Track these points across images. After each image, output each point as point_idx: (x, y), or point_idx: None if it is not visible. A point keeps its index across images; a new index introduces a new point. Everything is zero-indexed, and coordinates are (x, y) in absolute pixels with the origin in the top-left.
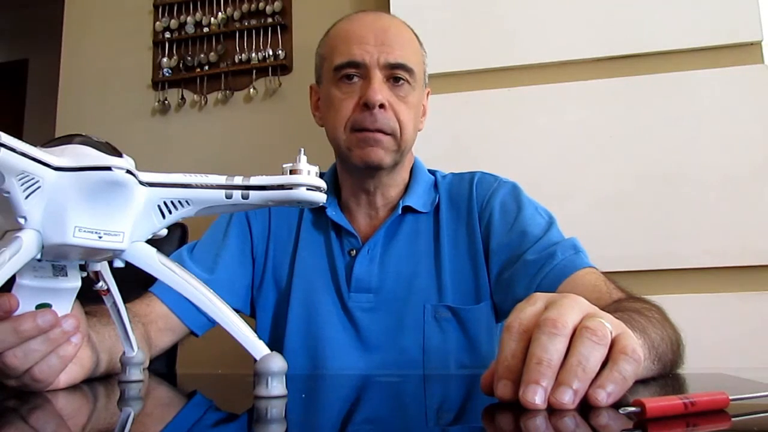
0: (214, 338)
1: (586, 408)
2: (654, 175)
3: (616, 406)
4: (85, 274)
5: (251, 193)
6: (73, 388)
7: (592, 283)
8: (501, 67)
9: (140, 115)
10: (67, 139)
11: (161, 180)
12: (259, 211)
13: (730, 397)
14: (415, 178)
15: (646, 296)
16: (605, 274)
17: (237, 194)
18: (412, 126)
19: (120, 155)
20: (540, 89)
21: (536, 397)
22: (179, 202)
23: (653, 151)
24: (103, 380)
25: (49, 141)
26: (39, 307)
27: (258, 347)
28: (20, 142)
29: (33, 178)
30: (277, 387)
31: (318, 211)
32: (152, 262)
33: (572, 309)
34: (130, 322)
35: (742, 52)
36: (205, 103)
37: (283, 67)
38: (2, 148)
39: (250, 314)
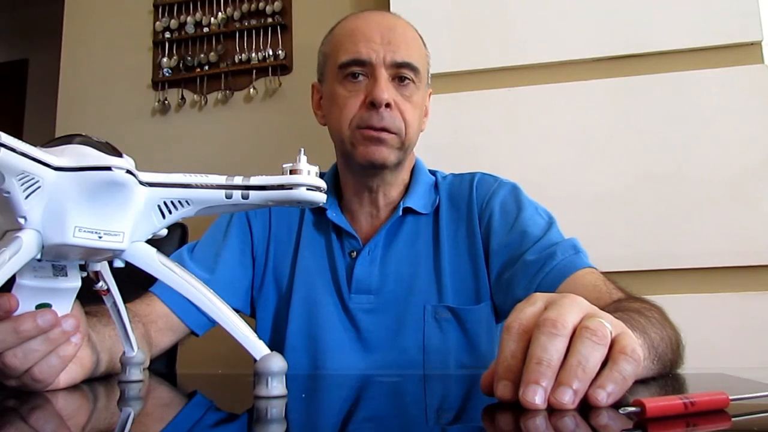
0: (214, 338)
1: (586, 408)
2: (654, 174)
3: (616, 406)
4: (85, 274)
5: (251, 193)
6: (73, 388)
7: (592, 283)
8: (501, 67)
9: (140, 115)
10: (67, 139)
11: (161, 180)
12: (259, 211)
13: (730, 397)
14: (416, 179)
15: (646, 296)
16: (605, 274)
17: (237, 194)
18: (416, 125)
19: (120, 155)
20: (540, 89)
21: (536, 397)
22: (179, 202)
23: (653, 151)
24: (103, 380)
25: (49, 141)
26: (39, 307)
27: (258, 347)
28: (20, 142)
29: (33, 178)
30: (277, 387)
31: (319, 212)
32: (152, 262)
33: (572, 309)
34: (130, 322)
35: (742, 52)
36: (205, 103)
37: (283, 67)
38: (2, 148)
39: (250, 314)
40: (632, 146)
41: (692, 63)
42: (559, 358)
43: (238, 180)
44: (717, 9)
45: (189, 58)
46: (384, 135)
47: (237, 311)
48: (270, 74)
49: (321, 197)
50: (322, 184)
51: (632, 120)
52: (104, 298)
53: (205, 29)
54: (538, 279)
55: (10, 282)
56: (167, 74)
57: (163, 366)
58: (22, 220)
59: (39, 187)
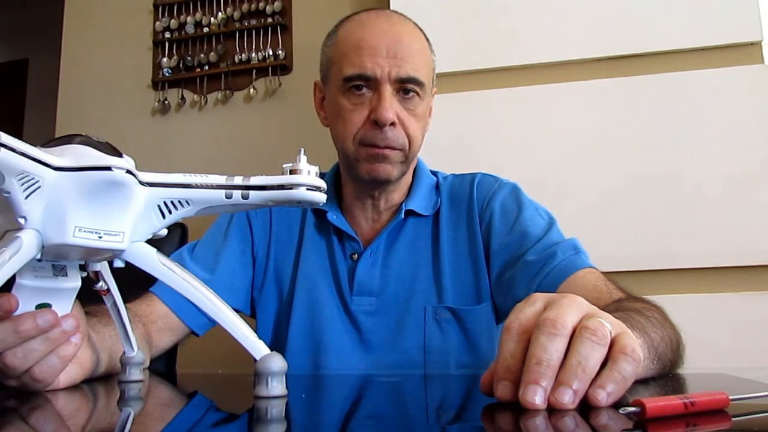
0: (214, 338)
1: (586, 408)
2: (654, 174)
3: (616, 406)
4: (85, 274)
5: (251, 193)
6: (73, 388)
7: (593, 283)
8: (501, 67)
9: (140, 115)
10: (67, 139)
11: (161, 180)
12: (260, 211)
13: (730, 397)
14: (418, 181)
15: (646, 296)
16: (605, 274)
17: (237, 194)
18: (420, 137)
19: (120, 155)
20: (540, 89)
21: (536, 397)
22: (179, 202)
23: (653, 150)
24: (103, 380)
25: (49, 141)
26: (39, 306)
27: (258, 347)
28: (20, 142)
29: (33, 178)
30: (277, 387)
31: (320, 213)
32: (152, 262)
33: (571, 309)
34: (130, 321)
35: (742, 52)
36: (205, 103)
37: (283, 67)
38: (2, 148)
39: (250, 314)
40: (632, 146)
41: (692, 63)
42: (559, 358)
43: (238, 180)
44: (717, 9)
45: (189, 58)
46: (387, 152)
47: (237, 311)
48: (270, 74)
49: (321, 197)
50: (322, 184)
51: (632, 120)
52: (104, 298)
53: (205, 29)
54: (538, 279)
55: (10, 282)
56: (167, 74)
57: (163, 366)
58: (22, 220)
59: (39, 187)
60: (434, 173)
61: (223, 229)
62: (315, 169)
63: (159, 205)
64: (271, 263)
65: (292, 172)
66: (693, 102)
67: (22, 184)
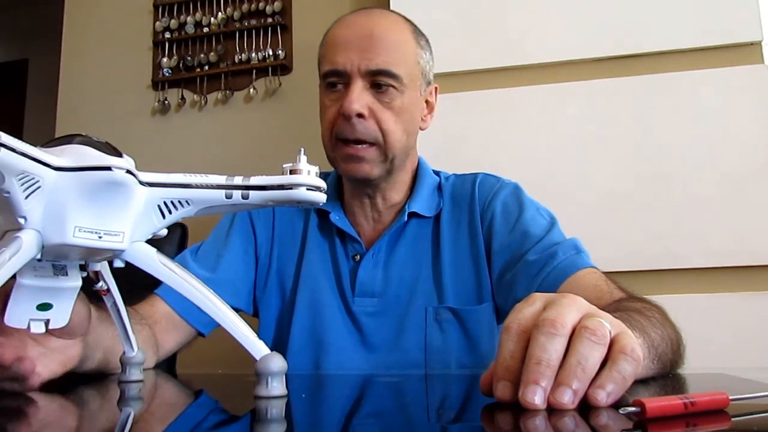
0: (214, 338)
1: (585, 408)
2: (654, 174)
3: (616, 406)
4: (85, 274)
5: (251, 193)
6: (73, 388)
7: (593, 283)
8: (501, 67)
9: (140, 115)
10: (67, 139)
11: (161, 180)
12: (262, 211)
13: (730, 397)
14: (421, 181)
15: (646, 296)
16: (606, 274)
17: (237, 194)
18: (400, 132)
19: (120, 155)
20: (540, 89)
21: (536, 397)
22: (179, 202)
23: (653, 150)
24: (103, 380)
25: (49, 141)
26: (40, 306)
27: (258, 347)
28: (20, 142)
29: (33, 178)
30: (277, 387)
31: (323, 214)
32: (152, 262)
33: (571, 309)
34: (130, 322)
35: (742, 52)
36: (205, 103)
37: (283, 67)
38: (2, 149)
39: (253, 314)
40: (632, 146)
41: (692, 63)
42: (559, 357)
43: (238, 180)
44: (717, 9)
45: (189, 58)
46: (362, 151)
47: (239, 311)
48: (270, 74)
49: (321, 197)
50: (322, 184)
51: (632, 120)
52: (104, 298)
53: (205, 29)
54: (539, 279)
55: (11, 282)
56: (167, 74)
57: (163, 366)
58: (22, 220)
59: (39, 187)
60: (437, 173)
61: (225, 230)
62: (315, 169)
63: (159, 205)
64: (274, 263)
65: (292, 172)
66: (693, 102)
67: (22, 184)
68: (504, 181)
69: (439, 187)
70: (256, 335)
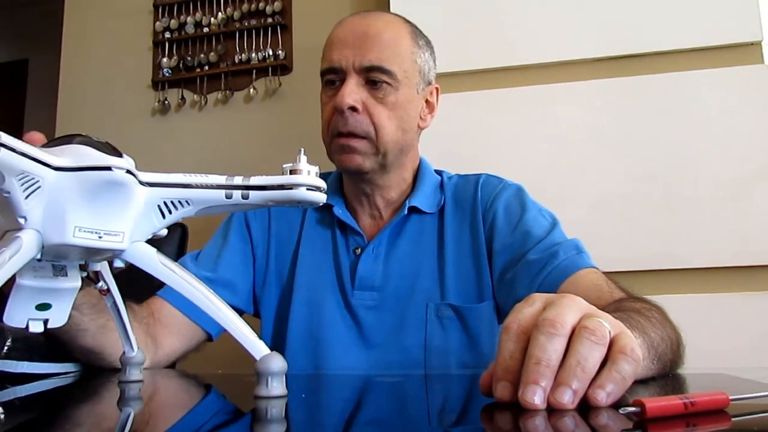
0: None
1: (585, 408)
2: (654, 174)
3: (616, 406)
4: (85, 274)
5: (251, 193)
6: (73, 388)
7: (594, 282)
8: (501, 67)
9: (140, 115)
10: (67, 140)
11: (161, 180)
12: (258, 210)
13: (730, 397)
14: (422, 179)
15: (646, 296)
16: (606, 274)
17: (237, 194)
18: (393, 127)
19: (120, 155)
20: (540, 89)
21: (535, 397)
22: (179, 202)
23: (653, 151)
24: (103, 380)
25: (50, 141)
26: (39, 307)
27: (258, 347)
28: (20, 142)
29: (33, 178)
30: (277, 387)
31: (323, 209)
32: (152, 262)
33: (570, 309)
34: (130, 322)
35: (742, 52)
36: (205, 103)
37: (283, 67)
38: (2, 149)
39: (254, 314)
40: (632, 146)
41: (692, 63)
42: (558, 358)
43: (238, 180)
44: (717, 9)
45: (189, 58)
46: (354, 142)
47: (240, 311)
48: (270, 74)
49: (321, 197)
50: (322, 184)
51: (632, 120)
52: (104, 298)
53: (205, 29)
54: (540, 278)
55: (11, 282)
56: (167, 74)
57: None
58: (22, 220)
59: (39, 187)
60: (439, 172)
61: (222, 233)
62: (315, 169)
63: (159, 205)
64: (271, 262)
65: (292, 172)
66: (693, 102)
67: (22, 184)
68: (507, 182)
69: (441, 186)
70: (256, 335)
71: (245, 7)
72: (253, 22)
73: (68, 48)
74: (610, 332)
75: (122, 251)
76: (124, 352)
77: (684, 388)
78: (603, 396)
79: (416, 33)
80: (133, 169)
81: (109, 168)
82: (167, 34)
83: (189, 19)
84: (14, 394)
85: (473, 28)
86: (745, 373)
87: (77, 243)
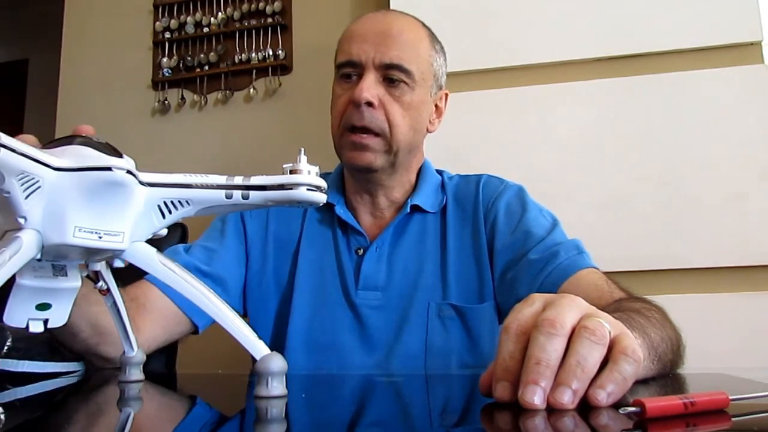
0: (214, 338)
1: (585, 408)
2: (654, 174)
3: (616, 406)
4: (85, 274)
5: (251, 193)
6: (73, 388)
7: (594, 282)
8: (501, 67)
9: (140, 115)
10: (68, 140)
11: (161, 180)
12: (255, 211)
13: (730, 397)
14: (424, 179)
15: (646, 296)
16: (607, 274)
17: (237, 194)
18: (406, 126)
19: (120, 156)
20: (540, 89)
21: (535, 397)
22: (179, 202)
23: (653, 150)
24: (102, 380)
25: (50, 141)
26: (39, 307)
27: (258, 347)
28: (20, 142)
29: (33, 178)
30: (277, 387)
31: (324, 209)
32: (152, 262)
33: (570, 309)
34: (130, 322)
35: (742, 52)
36: (205, 103)
37: (283, 67)
38: (2, 149)
39: (243, 313)
40: (632, 146)
41: (692, 63)
42: (558, 358)
43: (238, 180)
44: (717, 9)
45: (189, 58)
46: (367, 140)
47: None
48: (270, 74)
49: (321, 197)
50: (323, 183)
51: (632, 120)
52: (104, 298)
53: (205, 29)
54: (540, 278)
55: (10, 282)
56: (167, 74)
57: (163, 366)
58: (22, 220)
59: (39, 187)
60: (439, 172)
61: (218, 228)
62: (315, 169)
63: (159, 205)
64: (269, 264)
65: (293, 172)
66: (693, 102)
67: (22, 184)
68: (508, 182)
69: (442, 186)
70: (256, 336)
71: (245, 7)
72: (253, 22)
73: (68, 48)
74: (609, 332)
75: (122, 251)
76: (123, 352)
77: (684, 388)
78: (604, 396)
79: (433, 37)
80: (133, 169)
81: (109, 168)
82: (167, 34)
83: (189, 19)
84: (14, 394)
85: (472, 28)
86: (745, 373)
87: (77, 243)
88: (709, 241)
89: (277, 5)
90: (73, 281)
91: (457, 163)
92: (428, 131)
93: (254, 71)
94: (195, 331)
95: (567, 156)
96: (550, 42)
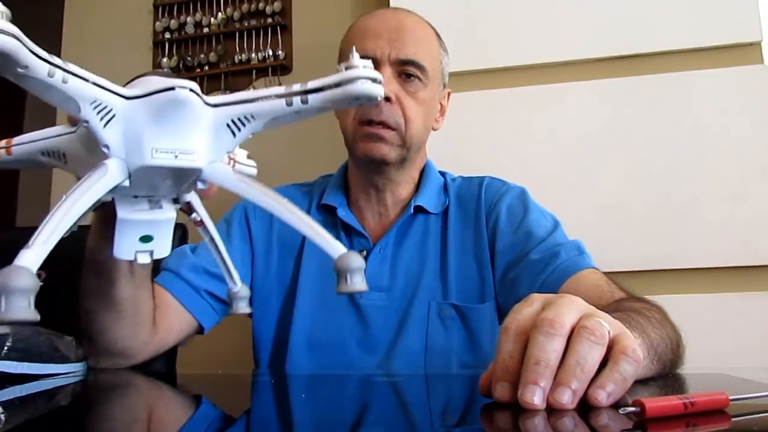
0: (214, 338)
1: (585, 408)
2: (654, 174)
3: (616, 406)
4: (179, 206)
5: (310, 96)
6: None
7: (595, 282)
8: (502, 67)
9: None
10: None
11: (225, 100)
12: (259, 212)
13: (730, 397)
14: (427, 179)
15: (646, 296)
16: (607, 274)
17: (297, 100)
18: (420, 122)
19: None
20: (541, 89)
21: (535, 397)
22: (245, 117)
23: (653, 150)
24: (103, 380)
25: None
26: (143, 239)
27: (335, 246)
28: (88, 72)
29: (107, 106)
30: (357, 282)
31: (326, 211)
32: (230, 179)
33: (569, 309)
34: (228, 255)
35: (742, 52)
36: None
37: (283, 68)
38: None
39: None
40: (632, 146)
41: (692, 63)
42: (557, 357)
43: (296, 87)
44: (717, 9)
45: (189, 58)
46: (383, 132)
47: None
48: (270, 74)
49: (378, 90)
50: (379, 75)
51: (632, 120)
52: (200, 230)
53: (205, 29)
54: (541, 278)
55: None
56: None
57: (163, 366)
58: (105, 150)
59: (114, 116)
60: (442, 174)
61: (224, 231)
62: (369, 63)
63: (228, 124)
64: (273, 263)
65: (347, 68)
66: (693, 102)
67: (98, 113)
68: (510, 184)
69: (445, 187)
70: (333, 237)
71: (245, 7)
72: (253, 22)
73: (68, 48)
74: (609, 332)
75: (200, 170)
76: (229, 288)
77: (684, 388)
78: (603, 396)
79: (439, 36)
80: (196, 89)
81: (172, 88)
82: (167, 35)
83: (189, 19)
84: (14, 394)
85: (472, 28)
86: (745, 373)
87: (156, 163)
88: (709, 241)
89: (277, 5)
90: (169, 212)
91: (456, 163)
92: (433, 129)
93: (254, 71)
94: (200, 331)
95: (566, 156)
96: (549, 42)
